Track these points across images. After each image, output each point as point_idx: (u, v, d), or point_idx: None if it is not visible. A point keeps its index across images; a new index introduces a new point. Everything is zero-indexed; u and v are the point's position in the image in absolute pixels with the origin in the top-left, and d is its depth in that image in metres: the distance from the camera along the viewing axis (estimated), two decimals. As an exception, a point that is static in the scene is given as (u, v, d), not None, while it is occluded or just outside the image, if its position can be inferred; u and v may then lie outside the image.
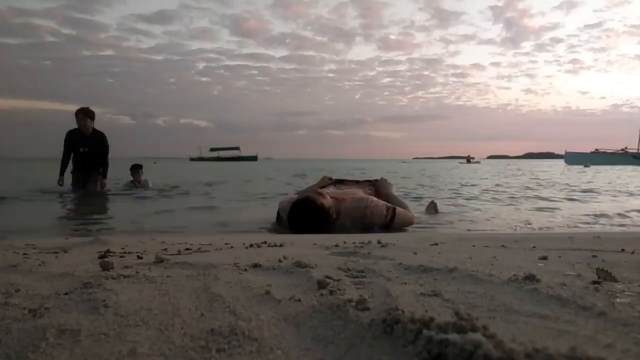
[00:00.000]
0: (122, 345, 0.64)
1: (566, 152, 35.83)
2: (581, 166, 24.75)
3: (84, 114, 5.77)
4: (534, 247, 1.67)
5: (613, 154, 35.32)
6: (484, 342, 0.53)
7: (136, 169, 7.09)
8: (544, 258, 1.36)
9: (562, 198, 5.86)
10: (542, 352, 0.52)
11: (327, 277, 1.02)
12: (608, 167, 21.61)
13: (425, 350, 0.57)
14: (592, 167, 23.52)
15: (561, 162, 36.33)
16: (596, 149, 36.18)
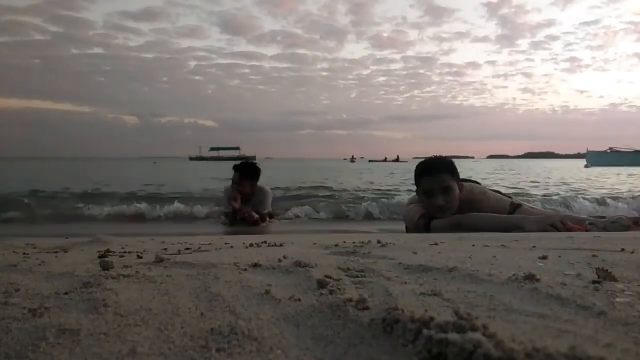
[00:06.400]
0: (122, 345, 0.64)
1: (588, 152, 33.02)
2: (608, 167, 18.81)
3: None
4: (534, 246, 1.67)
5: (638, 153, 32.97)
6: (484, 342, 0.53)
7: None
8: (544, 258, 1.35)
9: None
10: (542, 351, 0.52)
11: (327, 276, 1.02)
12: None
13: (426, 349, 0.57)
14: (612, 168, 18.16)
15: (577, 162, 33.62)
16: (610, 148, 34.03)
